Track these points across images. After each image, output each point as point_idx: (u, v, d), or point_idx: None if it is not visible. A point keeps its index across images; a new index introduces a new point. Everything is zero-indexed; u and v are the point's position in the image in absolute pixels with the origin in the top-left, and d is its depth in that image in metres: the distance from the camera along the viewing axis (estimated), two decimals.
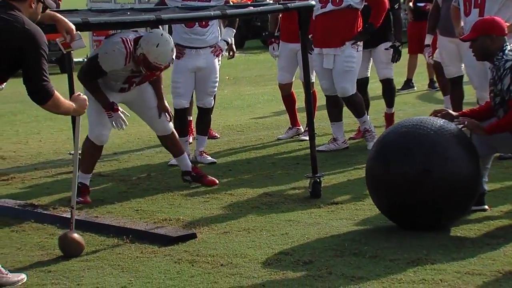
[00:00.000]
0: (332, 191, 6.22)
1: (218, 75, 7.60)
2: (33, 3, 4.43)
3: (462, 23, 7.17)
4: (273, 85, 13.54)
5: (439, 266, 4.38)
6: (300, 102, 8.95)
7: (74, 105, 4.58)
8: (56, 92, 4.39)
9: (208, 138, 7.96)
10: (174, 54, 6.22)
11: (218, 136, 8.85)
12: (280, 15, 8.56)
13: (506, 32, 5.40)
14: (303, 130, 8.59)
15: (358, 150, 7.82)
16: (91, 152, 6.21)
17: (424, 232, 4.98)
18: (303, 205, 5.86)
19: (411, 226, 5.06)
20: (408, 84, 12.05)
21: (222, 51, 7.63)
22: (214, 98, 7.81)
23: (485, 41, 5.25)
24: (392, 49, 8.00)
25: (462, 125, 5.17)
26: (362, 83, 8.21)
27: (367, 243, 4.86)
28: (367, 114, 7.95)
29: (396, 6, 8.12)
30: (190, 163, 6.63)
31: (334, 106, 7.92)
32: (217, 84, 7.66)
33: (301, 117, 8.85)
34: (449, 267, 4.37)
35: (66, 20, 4.73)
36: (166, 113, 6.42)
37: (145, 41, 5.99)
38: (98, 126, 6.15)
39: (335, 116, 7.96)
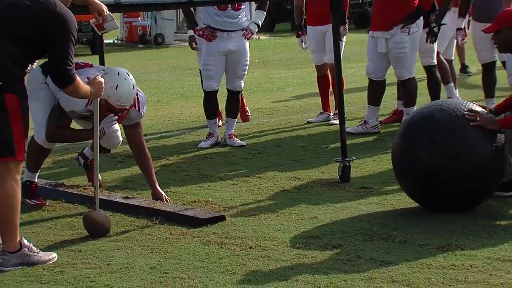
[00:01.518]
0: (361, 175, 6.20)
1: (248, 58, 7.61)
2: None
3: None
4: (303, 69, 13.52)
5: (469, 252, 4.35)
6: None
7: (90, 89, 4.62)
8: (77, 78, 4.44)
9: (242, 121, 7.97)
10: (136, 90, 5.45)
11: (249, 113, 8.79)
12: (305, 1, 8.55)
13: None
14: (332, 115, 8.57)
15: (388, 134, 7.78)
16: (39, 153, 5.62)
17: (454, 217, 4.95)
18: (332, 189, 5.85)
19: (435, 202, 5.06)
20: None
21: (253, 34, 7.63)
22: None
23: (509, 33, 5.16)
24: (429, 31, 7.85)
25: (474, 122, 4.97)
26: None
27: (396, 227, 4.84)
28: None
29: None
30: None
31: (375, 91, 7.87)
32: (247, 67, 7.66)
33: (330, 101, 8.82)
34: (479, 253, 4.34)
35: (97, 1, 4.76)
36: (164, 199, 5.55)
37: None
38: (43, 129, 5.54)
39: (373, 100, 7.90)
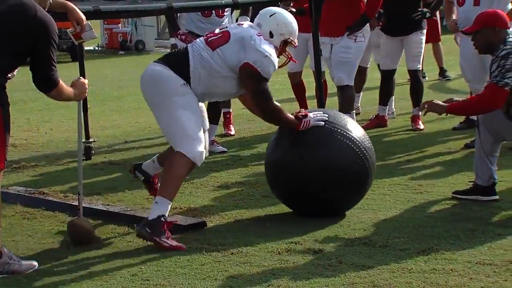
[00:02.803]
0: None
1: None
2: None
3: (454, 16, 7.23)
4: (284, 74, 13.49)
5: (449, 256, 4.38)
6: (310, 90, 8.93)
7: (74, 91, 4.61)
8: (60, 81, 4.42)
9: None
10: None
11: (233, 133, 8.61)
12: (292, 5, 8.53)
13: (509, 25, 5.34)
14: None
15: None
16: (185, 173, 4.90)
17: (434, 221, 4.98)
18: None
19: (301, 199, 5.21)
20: None
21: None
22: None
23: (488, 33, 5.21)
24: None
25: (424, 110, 5.30)
26: (388, 74, 8.22)
27: (377, 232, 4.85)
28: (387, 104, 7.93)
29: None
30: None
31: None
32: None
33: (312, 106, 8.83)
34: (459, 257, 4.36)
35: (77, 9, 4.74)
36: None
37: (279, 25, 4.92)
38: (198, 143, 4.84)
39: (342, 107, 7.90)
